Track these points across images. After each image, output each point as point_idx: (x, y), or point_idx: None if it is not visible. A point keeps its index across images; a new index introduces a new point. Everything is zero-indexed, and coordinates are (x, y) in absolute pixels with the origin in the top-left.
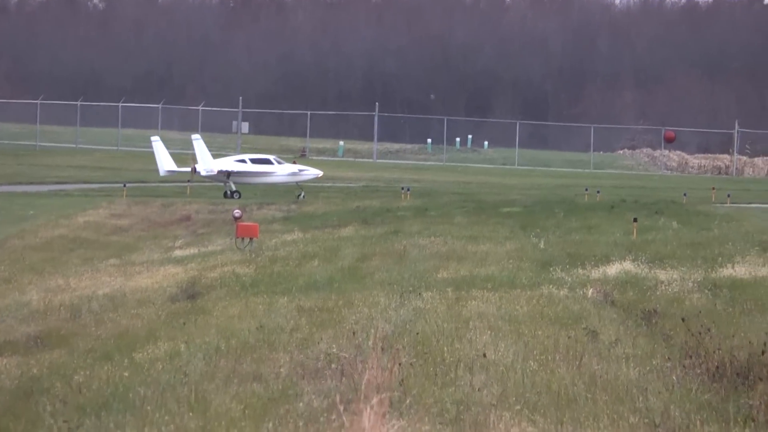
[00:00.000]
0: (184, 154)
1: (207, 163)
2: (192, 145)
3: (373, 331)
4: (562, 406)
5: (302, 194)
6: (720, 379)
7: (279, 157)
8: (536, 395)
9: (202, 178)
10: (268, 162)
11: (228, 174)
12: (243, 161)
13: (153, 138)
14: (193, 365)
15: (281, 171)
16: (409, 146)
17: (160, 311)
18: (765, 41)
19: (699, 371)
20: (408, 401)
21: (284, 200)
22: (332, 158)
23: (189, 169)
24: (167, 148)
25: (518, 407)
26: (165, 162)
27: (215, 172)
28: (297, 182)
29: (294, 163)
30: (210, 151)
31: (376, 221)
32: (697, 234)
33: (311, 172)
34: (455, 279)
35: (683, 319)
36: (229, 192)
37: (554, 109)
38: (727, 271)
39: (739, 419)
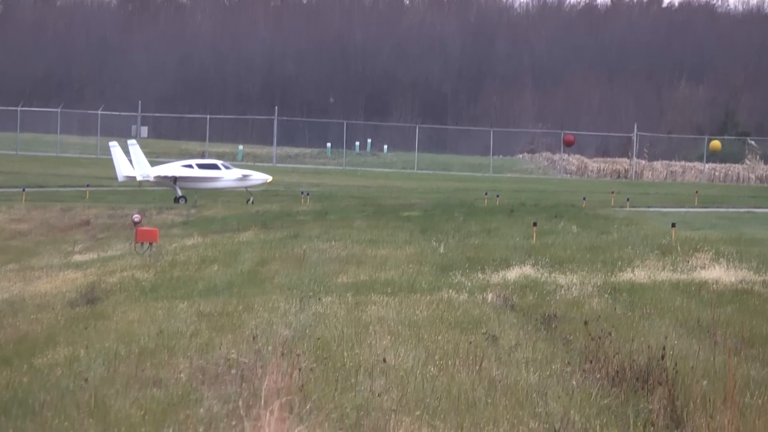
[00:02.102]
0: (83, 159)
1: (143, 168)
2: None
3: (273, 335)
4: (462, 410)
5: (251, 199)
6: (620, 384)
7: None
8: (436, 400)
9: (151, 183)
10: (215, 167)
11: (174, 179)
12: (190, 166)
13: (111, 143)
14: (93, 370)
15: (228, 176)
16: (308, 150)
17: (59, 316)
18: (662, 43)
19: (599, 375)
20: (308, 406)
21: (183, 205)
22: (232, 162)
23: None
24: (66, 152)
25: (418, 412)
26: (123, 167)
27: (152, 178)
28: (245, 187)
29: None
30: (109, 155)
31: (276, 225)
32: (596, 238)
33: (260, 177)
34: (355, 283)
35: (586, 322)
36: (176, 197)
37: (453, 111)
38: (626, 275)
39: (638, 423)
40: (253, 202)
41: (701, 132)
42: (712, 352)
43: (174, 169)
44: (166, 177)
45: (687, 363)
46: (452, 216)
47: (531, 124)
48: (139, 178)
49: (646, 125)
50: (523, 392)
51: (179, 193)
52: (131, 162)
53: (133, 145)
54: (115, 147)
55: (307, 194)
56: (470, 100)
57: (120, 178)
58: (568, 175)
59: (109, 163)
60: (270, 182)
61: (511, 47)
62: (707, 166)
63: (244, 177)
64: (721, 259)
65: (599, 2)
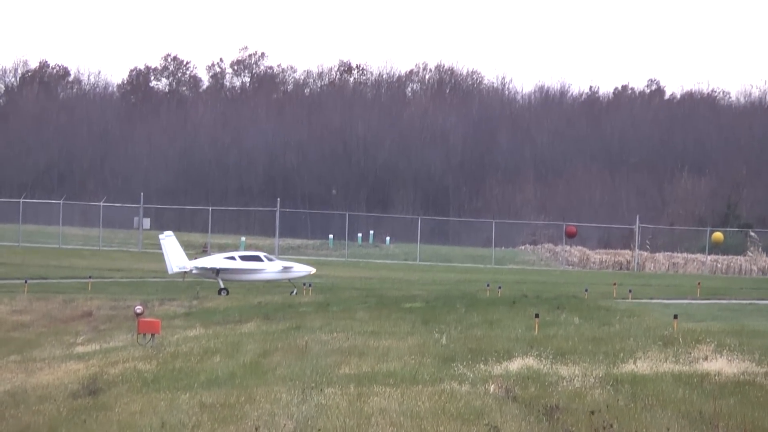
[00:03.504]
0: (85, 250)
1: (180, 260)
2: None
3: (275, 427)
4: None
5: (294, 291)
6: None
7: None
8: None
9: (194, 275)
10: (257, 259)
11: (217, 271)
12: (232, 258)
13: (166, 233)
14: None
15: (271, 268)
16: (310, 242)
17: (61, 407)
18: (664, 135)
19: None
20: None
21: (186, 296)
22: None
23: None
24: (68, 243)
25: None
26: (176, 258)
27: (188, 269)
28: (289, 279)
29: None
30: (111, 247)
31: (278, 317)
32: (598, 329)
33: (303, 269)
34: (357, 375)
35: (592, 412)
36: (219, 289)
37: (455, 203)
38: (628, 367)
39: None
40: (296, 294)
41: (703, 224)
42: None
43: (217, 261)
44: (209, 269)
45: None
46: (454, 307)
47: (533, 216)
48: (174, 270)
49: (648, 217)
50: None
51: (222, 284)
52: (166, 255)
53: (170, 236)
54: (170, 237)
55: (310, 286)
56: (472, 191)
57: (170, 271)
58: (570, 267)
59: (111, 255)
60: (312, 274)
61: (512, 139)
62: (709, 257)
63: (286, 269)
64: (724, 351)
65: (601, 94)
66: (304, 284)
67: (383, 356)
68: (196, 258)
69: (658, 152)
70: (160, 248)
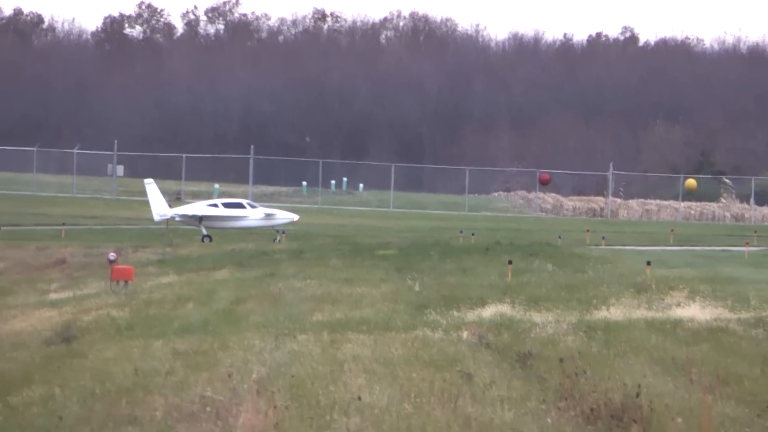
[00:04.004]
0: (60, 198)
1: (161, 208)
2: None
3: (248, 374)
4: None
5: (278, 238)
6: (595, 422)
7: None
8: None
9: (177, 222)
10: (240, 206)
11: (200, 219)
12: (215, 205)
13: (146, 180)
14: (69, 409)
15: (254, 215)
16: (284, 189)
17: (35, 354)
18: (639, 83)
19: (574, 413)
20: None
21: (159, 243)
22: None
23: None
24: (42, 191)
25: None
26: (159, 206)
27: (169, 217)
28: (272, 226)
29: (170, 206)
30: (85, 194)
31: (252, 264)
32: (572, 276)
33: (285, 217)
34: (330, 322)
35: (561, 360)
36: (202, 236)
37: (430, 151)
38: (601, 313)
39: None
40: (280, 241)
41: (677, 171)
42: (687, 391)
43: (200, 208)
44: (191, 216)
45: (662, 401)
46: (428, 255)
47: (507, 164)
48: (156, 218)
49: (622, 164)
50: (498, 430)
51: (205, 232)
52: (149, 201)
53: (150, 184)
54: (151, 184)
55: (283, 233)
56: (447, 139)
57: (156, 218)
58: (544, 214)
59: (85, 202)
60: (296, 221)
61: (487, 87)
62: (683, 204)
63: (269, 216)
64: (697, 298)
65: (576, 42)
66: (278, 231)
67: (356, 303)
68: (170, 206)
69: (633, 100)
70: (134, 196)
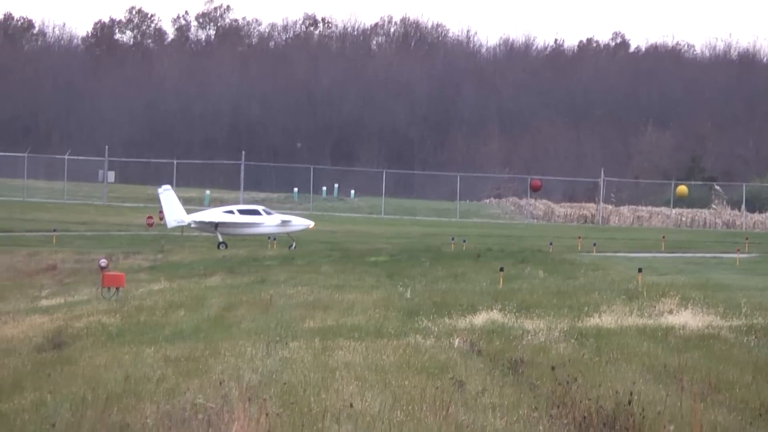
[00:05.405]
0: (50, 203)
1: (177, 214)
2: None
3: (239, 381)
4: None
5: (293, 245)
6: (587, 429)
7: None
8: None
9: (193, 229)
10: (256, 213)
11: (216, 225)
12: (231, 212)
13: (164, 187)
14: (60, 415)
15: (269, 222)
16: (275, 195)
17: (25, 361)
18: (629, 89)
19: (566, 421)
20: None
21: (150, 249)
22: (199, 207)
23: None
24: (32, 197)
25: None
26: (176, 212)
27: (185, 223)
28: (287, 233)
29: (160, 213)
30: (76, 200)
31: (243, 270)
32: (563, 283)
33: (301, 223)
34: (322, 328)
35: (553, 368)
36: (218, 243)
37: (420, 156)
38: (593, 320)
39: None
40: (295, 248)
41: (668, 177)
42: (678, 398)
43: (216, 215)
44: (208, 223)
45: (654, 408)
46: (419, 261)
47: (498, 170)
48: (173, 224)
49: (613, 170)
50: None
51: (220, 239)
52: (164, 208)
53: (167, 190)
54: (168, 191)
55: (274, 239)
56: (437, 145)
57: (172, 224)
58: (535, 220)
59: (76, 208)
60: (311, 228)
61: (477, 92)
62: (674, 211)
63: (285, 223)
64: (688, 305)
65: (566, 47)
66: (269, 237)
67: (348, 310)
68: (161, 213)
69: (623, 105)
70: (125, 202)
